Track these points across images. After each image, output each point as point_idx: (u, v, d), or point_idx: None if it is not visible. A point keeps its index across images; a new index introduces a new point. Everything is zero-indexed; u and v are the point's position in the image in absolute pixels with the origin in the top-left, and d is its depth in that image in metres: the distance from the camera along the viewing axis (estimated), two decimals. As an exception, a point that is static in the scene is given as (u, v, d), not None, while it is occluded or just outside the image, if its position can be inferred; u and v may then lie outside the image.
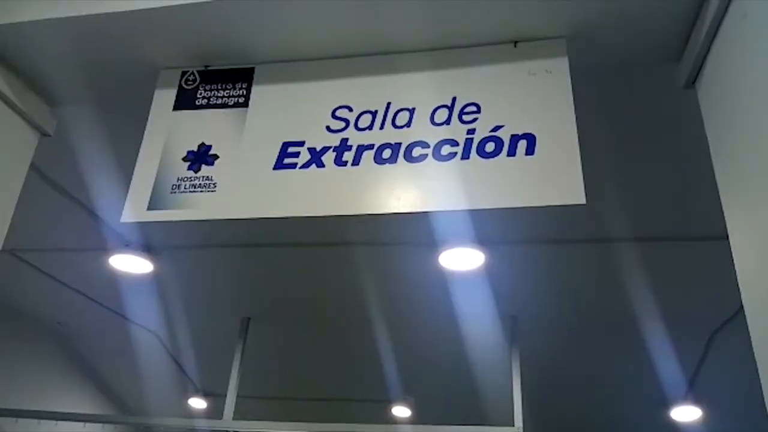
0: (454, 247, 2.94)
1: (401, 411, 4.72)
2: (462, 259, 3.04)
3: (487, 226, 2.82)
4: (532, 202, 1.15)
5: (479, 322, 3.72)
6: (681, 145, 2.28)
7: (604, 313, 3.62)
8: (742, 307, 3.46)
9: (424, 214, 2.59)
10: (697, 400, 4.33)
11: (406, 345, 4.08)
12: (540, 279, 3.33)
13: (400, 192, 1.22)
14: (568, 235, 2.95)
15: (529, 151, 1.19)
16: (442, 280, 3.28)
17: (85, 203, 2.85)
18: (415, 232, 2.89)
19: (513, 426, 3.40)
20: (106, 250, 3.18)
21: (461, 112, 1.26)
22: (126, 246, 3.13)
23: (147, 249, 3.18)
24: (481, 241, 2.93)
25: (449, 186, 1.19)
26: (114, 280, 3.52)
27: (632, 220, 2.80)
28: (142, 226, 3.01)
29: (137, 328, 4.24)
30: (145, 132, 1.42)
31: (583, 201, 1.14)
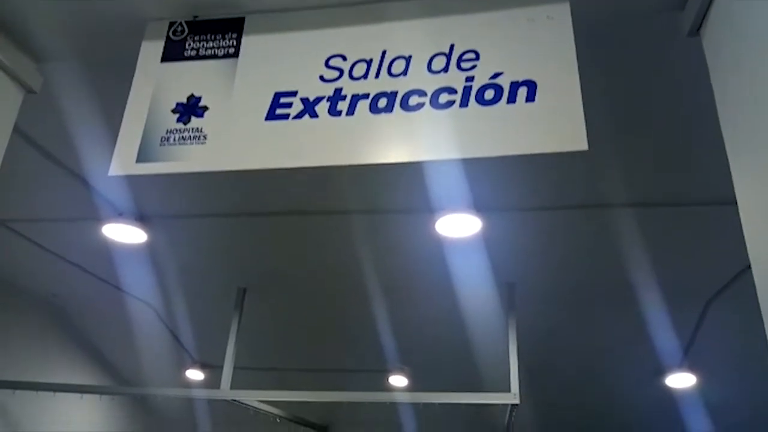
0: (450, 213, 2.91)
1: (398, 380, 4.74)
2: (459, 226, 3.02)
3: (484, 191, 2.80)
4: (533, 149, 1.12)
5: (476, 290, 3.72)
6: (681, 103, 2.24)
7: (601, 281, 3.62)
8: (737, 275, 3.48)
9: (422, 174, 2.58)
10: (691, 367, 4.36)
11: (403, 314, 4.08)
12: (537, 246, 3.31)
13: (396, 141, 1.18)
14: (565, 201, 2.93)
15: (530, 97, 1.15)
16: (439, 247, 3.26)
17: (76, 171, 2.81)
18: (412, 197, 2.86)
19: (509, 392, 3.43)
20: (98, 220, 3.14)
21: (459, 60, 1.22)
22: (119, 215, 3.09)
23: (140, 218, 3.14)
24: (478, 207, 2.91)
25: (448, 134, 1.15)
26: (107, 250, 3.48)
27: (630, 185, 2.78)
28: (135, 193, 2.98)
29: (132, 299, 4.22)
30: (133, 84, 1.37)
31: (585, 147, 1.11)
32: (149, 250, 3.46)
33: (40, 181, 2.95)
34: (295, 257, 3.63)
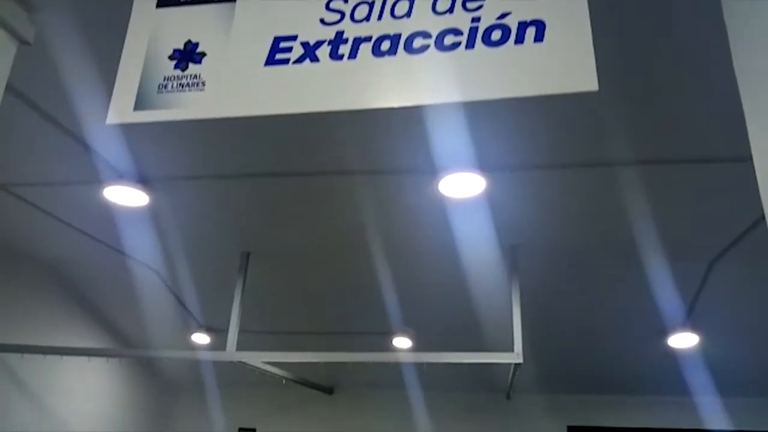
0: (454, 173, 2.88)
1: (402, 342, 4.77)
2: (462, 186, 2.99)
3: (489, 150, 2.76)
4: (541, 90, 1.09)
5: (479, 251, 3.71)
6: (689, 54, 2.19)
7: (605, 241, 3.60)
8: (743, 233, 3.45)
9: (425, 133, 2.54)
10: (695, 327, 4.37)
11: (407, 276, 4.08)
12: (541, 206, 3.29)
13: (400, 85, 1.15)
14: (571, 159, 2.89)
15: (538, 37, 1.11)
16: (443, 208, 3.24)
17: (76, 133, 2.77)
18: (415, 156, 2.83)
19: (513, 351, 3.46)
20: (100, 183, 3.12)
21: (465, 0, 1.17)
22: (120, 178, 3.07)
23: (141, 180, 3.12)
24: (482, 166, 2.88)
25: (453, 77, 1.12)
26: (110, 214, 3.47)
27: (636, 142, 2.74)
28: (136, 155, 2.95)
29: (136, 264, 4.23)
30: (128, 30, 1.33)
31: (595, 87, 1.07)
32: (151, 213, 3.45)
33: (40, 144, 2.92)
34: (298, 221, 3.61)
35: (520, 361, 3.42)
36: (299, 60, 1.20)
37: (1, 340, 3.94)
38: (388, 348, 4.90)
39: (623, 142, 2.73)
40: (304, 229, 3.70)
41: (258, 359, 4.09)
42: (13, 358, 4.08)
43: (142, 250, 4.00)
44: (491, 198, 3.13)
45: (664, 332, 4.48)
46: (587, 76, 1.06)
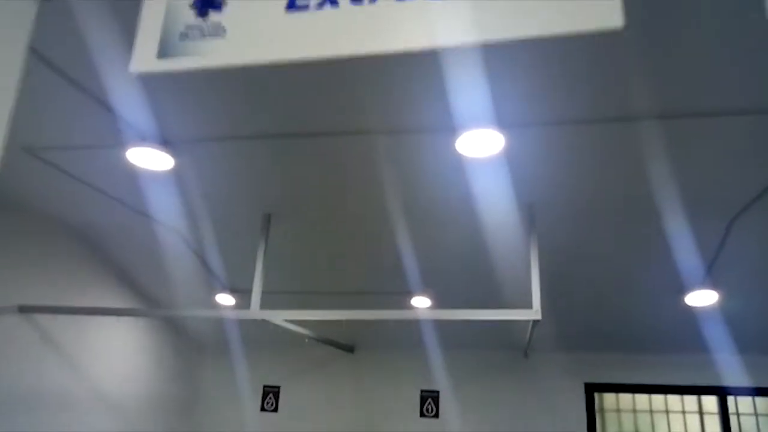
0: (472, 130, 2.88)
1: (421, 302, 4.84)
2: (481, 143, 2.99)
3: (508, 106, 2.75)
4: (564, 27, 1.07)
5: (498, 210, 3.72)
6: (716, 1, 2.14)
7: (624, 199, 3.59)
8: (766, 189, 3.40)
9: (444, 89, 2.54)
10: (714, 285, 4.37)
11: (425, 236, 4.12)
12: (560, 163, 3.28)
13: (422, 27, 1.15)
14: (591, 114, 2.87)
15: (560, -26, 1.10)
16: (461, 167, 3.25)
17: (98, 96, 2.81)
18: (434, 114, 2.83)
19: (531, 308, 3.49)
20: (123, 145, 3.17)
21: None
22: (143, 140, 3.12)
23: (164, 142, 3.16)
24: (501, 123, 2.87)
25: (475, 18, 1.11)
26: (134, 177, 3.54)
27: (657, 95, 2.70)
28: (159, 117, 2.99)
29: (161, 227, 4.32)
30: (148, -20, 1.35)
31: (621, 24, 1.06)
32: (174, 175, 3.51)
33: (63, 107, 2.97)
34: (317, 182, 3.65)
35: (539, 317, 3.46)
36: (319, 5, 1.21)
37: (33, 302, 4.08)
38: (408, 307, 4.97)
39: (644, 96, 2.70)
40: (323, 190, 3.74)
41: (281, 317, 4.19)
42: (45, 318, 4.23)
43: (167, 212, 4.08)
44: (510, 155, 3.13)
45: (682, 290, 4.48)
46: (612, 12, 1.05)
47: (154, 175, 3.51)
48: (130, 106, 2.90)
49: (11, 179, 3.72)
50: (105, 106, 2.88)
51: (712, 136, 2.97)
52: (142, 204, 3.93)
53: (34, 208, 4.14)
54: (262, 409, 6.22)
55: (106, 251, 4.83)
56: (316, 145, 3.25)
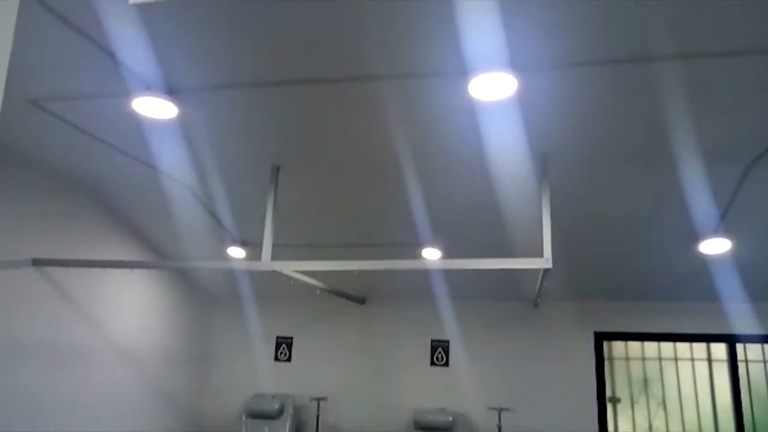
0: (484, 73, 2.80)
1: (432, 253, 4.84)
2: (493, 87, 2.91)
3: (522, 47, 2.66)
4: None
5: (510, 158, 3.67)
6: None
7: (639, 145, 3.52)
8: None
9: (455, 29, 2.45)
10: (727, 232, 4.33)
11: (436, 186, 4.09)
12: (574, 109, 3.20)
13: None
14: (607, 54, 2.78)
15: None
16: (473, 112, 3.19)
17: (101, 44, 2.75)
18: (445, 56, 2.75)
19: (542, 257, 3.48)
20: (128, 95, 3.12)
21: None
22: (148, 89, 3.07)
23: (169, 91, 3.11)
24: (514, 65, 2.79)
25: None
26: (140, 128, 3.51)
27: (676, 34, 2.61)
28: (164, 65, 2.93)
29: (170, 180, 4.30)
30: None
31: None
32: (181, 125, 3.47)
33: (66, 57, 2.91)
34: (325, 132, 3.60)
35: (550, 266, 3.46)
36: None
37: (45, 256, 4.12)
38: (418, 259, 4.98)
39: (663, 34, 2.61)
40: (331, 140, 3.69)
41: (292, 268, 4.21)
42: (58, 272, 4.27)
43: (175, 165, 4.06)
44: (523, 100, 3.06)
45: (695, 238, 4.45)
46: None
47: (161, 126, 3.47)
48: (134, 54, 2.84)
49: (18, 133, 3.70)
50: (109, 54, 2.82)
51: (731, 78, 2.88)
52: (150, 156, 3.90)
53: (43, 162, 4.13)
54: (276, 359, 6.34)
55: (115, 205, 4.84)
56: (324, 92, 3.18)
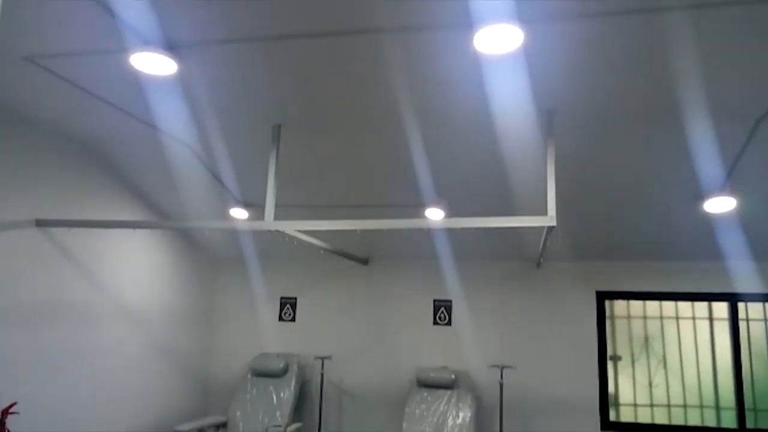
0: (489, 25, 2.73)
1: (435, 213, 4.83)
2: (499, 40, 2.85)
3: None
4: None
5: (515, 115, 3.62)
6: None
7: (646, 100, 3.46)
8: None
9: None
10: (733, 191, 4.30)
11: (439, 144, 4.05)
12: (581, 63, 3.13)
13: None
14: (616, 5, 2.71)
15: None
16: (477, 67, 3.13)
17: (97, -3, 2.68)
18: (449, 7, 2.68)
19: (546, 215, 3.47)
20: (126, 50, 3.07)
21: None
22: (146, 44, 3.00)
23: (169, 47, 3.05)
24: (521, 16, 2.72)
25: None
26: (139, 85, 3.45)
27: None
28: (162, 20, 2.86)
29: (171, 140, 4.27)
30: None
31: None
32: (181, 82, 3.42)
33: (62, 11, 2.84)
34: (327, 90, 3.54)
35: (554, 224, 3.44)
36: None
37: (47, 216, 4.11)
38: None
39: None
40: (333, 98, 3.63)
41: (295, 227, 4.21)
42: (60, 232, 4.27)
43: (175, 124, 4.02)
44: (529, 54, 2.99)
45: (700, 197, 4.43)
46: None
47: (160, 83, 3.42)
48: (133, 8, 2.77)
49: (15, 91, 3.65)
50: (107, 9, 2.76)
51: (742, 31, 2.81)
52: (150, 115, 3.86)
53: (42, 121, 4.09)
54: (280, 319, 6.41)
55: (116, 166, 4.82)
56: (325, 46, 3.12)
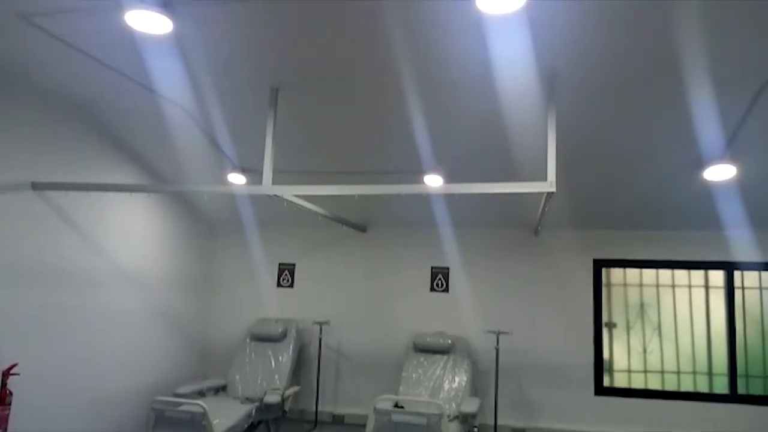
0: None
1: (434, 180, 4.81)
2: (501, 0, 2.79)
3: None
4: None
5: (516, 78, 3.57)
6: None
7: (649, 65, 3.41)
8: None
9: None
10: (733, 158, 4.28)
11: (439, 108, 4.00)
12: (584, 24, 3.07)
13: None
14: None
15: None
16: (479, 27, 3.07)
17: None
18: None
19: (546, 181, 3.45)
20: (121, 8, 3.00)
21: None
22: (141, 1, 2.94)
23: (164, 4, 2.98)
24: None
25: None
26: (134, 45, 3.39)
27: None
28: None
29: (167, 103, 4.21)
30: None
31: None
32: (176, 42, 3.36)
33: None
34: (325, 51, 3.48)
35: (553, 189, 3.43)
36: None
37: (43, 180, 4.08)
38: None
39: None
40: (331, 61, 3.57)
41: (293, 192, 4.19)
42: (58, 196, 4.25)
43: (171, 87, 3.96)
44: (532, 15, 2.94)
45: (700, 165, 4.41)
46: None
47: (155, 42, 3.35)
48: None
49: (9, 50, 3.58)
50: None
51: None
52: (145, 76, 3.80)
53: (37, 83, 4.02)
54: (279, 285, 6.44)
55: (113, 129, 4.76)
56: (323, 7, 3.05)
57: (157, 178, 5.39)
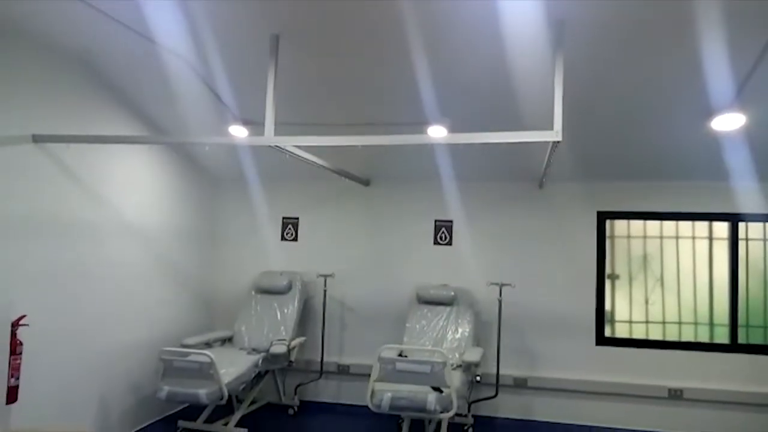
0: None
1: (438, 131, 4.75)
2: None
3: None
4: None
5: (524, 26, 3.48)
6: None
7: (658, 13, 3.32)
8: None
9: None
10: (742, 107, 4.21)
11: (443, 57, 3.91)
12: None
13: None
14: None
15: None
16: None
17: None
18: None
19: (552, 130, 3.40)
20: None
21: None
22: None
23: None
24: None
25: None
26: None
27: None
28: None
29: (168, 54, 4.13)
30: None
31: None
32: (174, -12, 3.26)
33: None
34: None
35: (559, 138, 3.39)
36: None
37: (43, 132, 4.05)
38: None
39: None
40: (332, 4, 3.48)
41: (295, 143, 4.15)
42: (59, 149, 4.22)
43: (172, 36, 3.88)
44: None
45: (708, 113, 4.34)
46: None
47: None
48: None
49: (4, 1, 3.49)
50: None
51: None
52: (144, 25, 3.71)
53: (35, 33, 3.94)
54: (283, 238, 6.47)
55: (114, 81, 4.69)
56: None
57: (158, 131, 5.35)
